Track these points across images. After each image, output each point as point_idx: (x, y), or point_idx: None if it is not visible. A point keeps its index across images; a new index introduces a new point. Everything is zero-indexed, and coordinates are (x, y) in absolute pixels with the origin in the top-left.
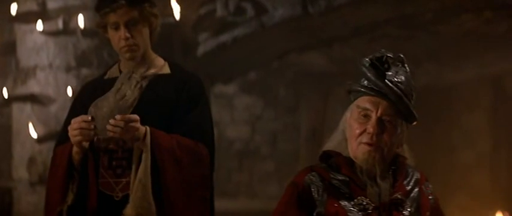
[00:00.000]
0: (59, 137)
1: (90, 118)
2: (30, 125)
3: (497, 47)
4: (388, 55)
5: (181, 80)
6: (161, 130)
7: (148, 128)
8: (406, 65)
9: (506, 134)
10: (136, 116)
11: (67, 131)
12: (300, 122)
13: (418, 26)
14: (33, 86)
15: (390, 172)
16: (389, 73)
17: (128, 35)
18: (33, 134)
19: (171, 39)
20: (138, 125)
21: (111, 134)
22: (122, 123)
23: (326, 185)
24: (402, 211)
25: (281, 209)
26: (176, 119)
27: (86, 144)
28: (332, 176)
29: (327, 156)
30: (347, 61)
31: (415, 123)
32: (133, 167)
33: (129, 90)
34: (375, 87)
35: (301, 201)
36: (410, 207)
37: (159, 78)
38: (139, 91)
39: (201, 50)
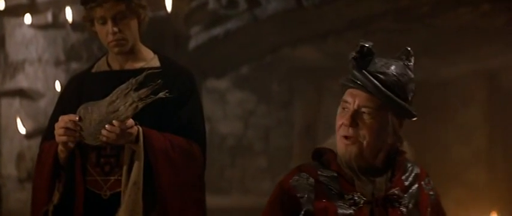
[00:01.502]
0: (45, 133)
1: (77, 118)
2: (18, 121)
3: (494, 41)
4: (365, 45)
5: (171, 73)
6: (151, 126)
7: (140, 129)
8: (410, 58)
9: (502, 129)
10: (132, 122)
11: (50, 128)
12: (294, 118)
13: (414, 19)
14: (21, 81)
15: (389, 167)
16: (373, 65)
17: (115, 29)
18: (22, 130)
19: (162, 32)
20: (134, 130)
21: (104, 139)
22: (118, 130)
23: (314, 183)
24: (399, 207)
25: (267, 209)
26: (167, 115)
27: (71, 144)
28: (320, 172)
29: (319, 154)
30: (341, 55)
31: (415, 119)
32: (125, 168)
33: (123, 107)
34: (354, 79)
35: (285, 203)
36: (408, 203)
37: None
38: (133, 111)
39: (192, 43)
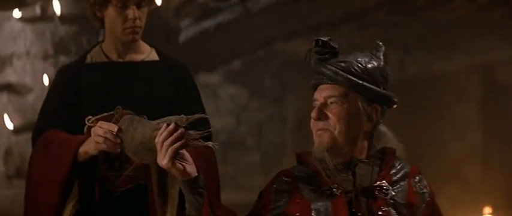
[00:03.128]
0: (39, 124)
1: (116, 129)
2: (6, 116)
3: (490, 34)
4: (322, 39)
5: (174, 68)
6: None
7: None
8: (379, 49)
9: (497, 125)
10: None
11: (44, 119)
12: (286, 113)
13: (409, 12)
14: (9, 75)
15: (376, 160)
16: (320, 56)
17: (137, 14)
18: (9, 125)
19: (152, 25)
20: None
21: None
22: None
23: (289, 183)
24: (384, 199)
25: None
26: (177, 111)
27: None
28: (297, 174)
29: (298, 157)
30: None
31: (395, 105)
32: (155, 186)
33: None
34: (315, 75)
35: (263, 210)
36: (395, 196)
37: (150, 65)
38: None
39: (183, 36)
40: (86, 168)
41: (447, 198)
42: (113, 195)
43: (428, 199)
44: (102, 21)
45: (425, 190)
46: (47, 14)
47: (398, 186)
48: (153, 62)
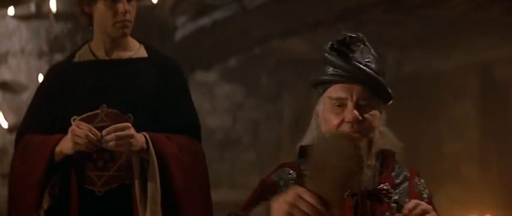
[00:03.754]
0: (24, 126)
1: (97, 137)
2: (0, 114)
3: (488, 32)
4: (351, 35)
5: (162, 64)
6: (149, 122)
7: (147, 135)
8: (367, 44)
9: (495, 123)
10: (127, 124)
11: (31, 119)
12: (283, 111)
13: (406, 10)
14: (4, 73)
15: (376, 162)
16: (356, 55)
17: (128, 8)
18: (4, 124)
19: (148, 23)
20: (131, 132)
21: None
22: (113, 136)
23: (294, 177)
24: (388, 202)
25: (246, 204)
26: (164, 110)
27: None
28: (303, 168)
29: (303, 151)
30: None
31: (391, 102)
32: (137, 182)
33: None
34: (344, 73)
35: (263, 199)
36: (398, 199)
37: (137, 62)
38: None
39: (179, 34)
40: (63, 166)
41: (445, 197)
42: (96, 195)
43: (426, 201)
44: (90, 17)
45: (424, 191)
46: (42, 12)
47: (400, 188)
48: (140, 59)
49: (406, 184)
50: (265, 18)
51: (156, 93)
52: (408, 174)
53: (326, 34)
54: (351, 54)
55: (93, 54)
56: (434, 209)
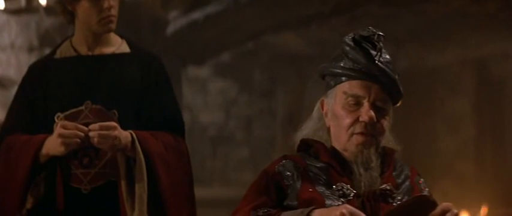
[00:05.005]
0: (6, 126)
1: (84, 133)
2: None
3: (483, 28)
4: (378, 33)
5: (144, 59)
6: (132, 118)
7: (133, 133)
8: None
9: (490, 119)
10: (113, 124)
11: (10, 120)
12: (276, 107)
13: (401, 5)
14: None
15: (378, 162)
16: (377, 53)
17: (113, 3)
18: None
19: (139, 17)
20: (115, 132)
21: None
22: (96, 133)
23: (301, 171)
24: (392, 203)
25: (249, 196)
26: (147, 105)
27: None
28: (309, 163)
29: (306, 145)
30: (325, 42)
31: (398, 104)
32: (123, 182)
33: None
34: (365, 70)
35: (270, 189)
36: (400, 200)
37: (120, 57)
38: None
39: (171, 28)
40: (48, 166)
41: (440, 193)
42: (82, 193)
43: None
44: (72, 14)
45: (425, 191)
46: (32, 6)
47: (403, 187)
48: (123, 55)
49: (407, 183)
50: (259, 12)
51: (139, 89)
52: (409, 173)
53: (320, 29)
54: (374, 52)
55: (75, 50)
56: None
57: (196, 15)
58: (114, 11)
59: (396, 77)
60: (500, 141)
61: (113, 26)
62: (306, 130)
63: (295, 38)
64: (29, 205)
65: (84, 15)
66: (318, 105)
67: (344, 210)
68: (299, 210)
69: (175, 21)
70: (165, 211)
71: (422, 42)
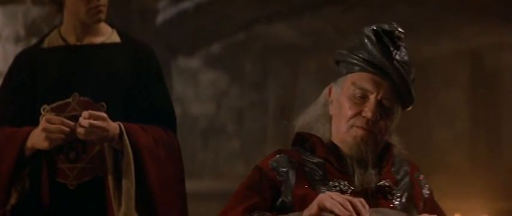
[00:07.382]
0: None
1: (70, 127)
2: None
3: (478, 19)
4: (401, 30)
5: (135, 50)
6: (123, 110)
7: (122, 125)
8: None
9: (485, 111)
10: (102, 114)
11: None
12: (268, 99)
13: None
14: None
15: (375, 159)
16: (396, 51)
17: None
18: None
19: (128, 6)
20: (113, 126)
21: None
22: (86, 123)
23: (296, 166)
24: (392, 200)
25: (241, 193)
26: (138, 96)
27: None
28: (305, 157)
29: (301, 139)
30: (318, 33)
31: (409, 108)
32: (110, 176)
33: None
34: (379, 65)
35: (263, 186)
36: (400, 196)
37: (110, 47)
38: None
39: (160, 18)
40: (33, 160)
41: (434, 186)
42: (69, 189)
43: (429, 197)
44: (60, 4)
45: (425, 187)
46: None
47: (402, 183)
48: (113, 44)
49: (407, 179)
50: (250, 1)
51: (129, 81)
52: (408, 169)
53: (312, 19)
54: (393, 50)
55: (63, 39)
56: (436, 203)
57: (187, 4)
58: (103, 1)
59: (410, 79)
60: (495, 133)
61: (102, 16)
62: (309, 114)
63: (287, 28)
64: (13, 201)
65: (72, 6)
66: (326, 90)
67: (327, 204)
68: (295, 214)
69: (165, 11)
70: (154, 208)
71: (416, 33)
